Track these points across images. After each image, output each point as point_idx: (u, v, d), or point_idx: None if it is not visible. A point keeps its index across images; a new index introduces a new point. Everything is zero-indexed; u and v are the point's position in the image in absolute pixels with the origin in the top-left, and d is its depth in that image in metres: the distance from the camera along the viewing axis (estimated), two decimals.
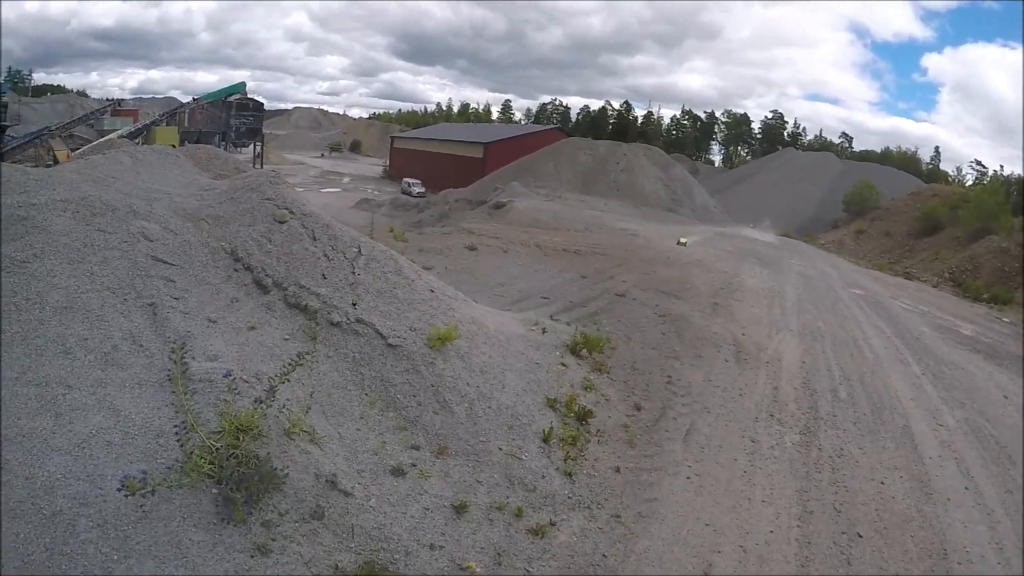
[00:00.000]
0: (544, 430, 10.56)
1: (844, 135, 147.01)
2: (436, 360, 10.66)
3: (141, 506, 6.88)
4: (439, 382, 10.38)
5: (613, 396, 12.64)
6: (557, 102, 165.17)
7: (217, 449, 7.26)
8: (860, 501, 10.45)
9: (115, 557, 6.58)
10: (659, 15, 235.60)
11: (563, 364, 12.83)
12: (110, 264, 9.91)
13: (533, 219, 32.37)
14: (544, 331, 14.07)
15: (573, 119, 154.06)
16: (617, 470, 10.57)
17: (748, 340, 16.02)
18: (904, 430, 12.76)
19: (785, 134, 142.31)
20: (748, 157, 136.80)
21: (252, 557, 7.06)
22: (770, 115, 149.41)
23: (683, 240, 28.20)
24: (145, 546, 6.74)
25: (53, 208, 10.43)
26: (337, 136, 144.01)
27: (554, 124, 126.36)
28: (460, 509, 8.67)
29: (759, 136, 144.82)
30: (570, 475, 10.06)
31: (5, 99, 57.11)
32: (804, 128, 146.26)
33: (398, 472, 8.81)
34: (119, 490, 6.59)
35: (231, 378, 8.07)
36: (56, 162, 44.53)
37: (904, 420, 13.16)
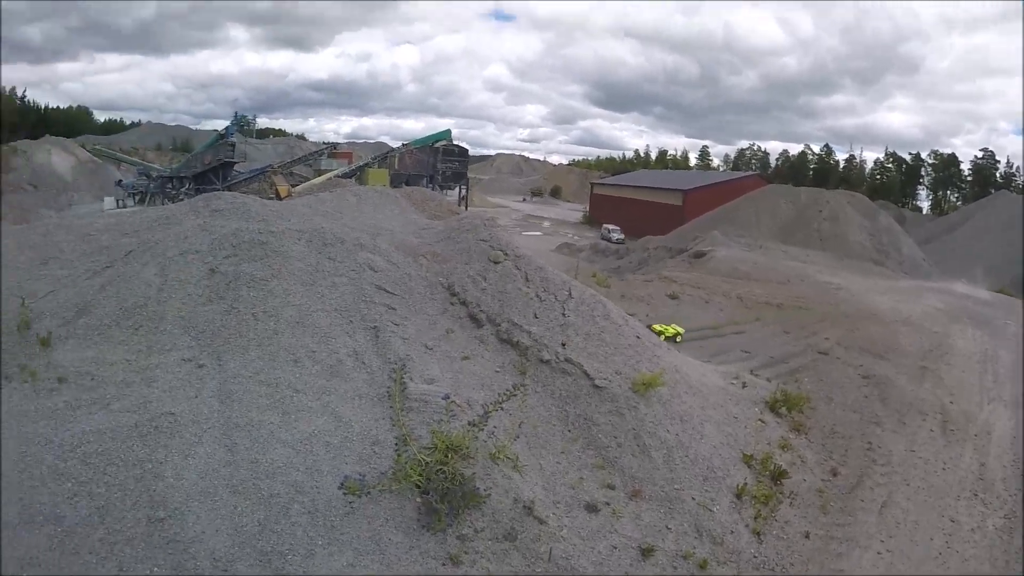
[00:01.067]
0: (738, 485, 10.34)
1: None
2: (639, 404, 10.77)
3: (351, 502, 7.57)
4: (640, 426, 10.46)
5: (810, 458, 12.10)
6: (755, 147, 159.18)
7: (427, 463, 7.84)
8: None
9: (319, 543, 7.27)
10: (855, 50, 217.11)
11: (761, 420, 12.47)
12: (338, 288, 11.03)
13: (733, 268, 31.40)
14: (744, 385, 13.78)
15: (772, 164, 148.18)
16: (807, 535, 10.17)
17: (956, 409, 14.63)
18: None
19: (997, 175, 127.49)
20: (958, 202, 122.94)
21: (444, 565, 7.51)
22: (980, 154, 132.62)
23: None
24: (348, 538, 7.39)
25: (290, 236, 11.80)
26: (538, 181, 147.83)
27: (753, 170, 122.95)
28: (647, 552, 8.66)
29: (969, 178, 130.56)
30: (759, 534, 9.80)
31: (233, 139, 64.33)
32: (1018, 167, 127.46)
33: (592, 508, 8.96)
34: (339, 488, 7.28)
35: (449, 400, 8.64)
36: (278, 196, 49.26)
37: None
